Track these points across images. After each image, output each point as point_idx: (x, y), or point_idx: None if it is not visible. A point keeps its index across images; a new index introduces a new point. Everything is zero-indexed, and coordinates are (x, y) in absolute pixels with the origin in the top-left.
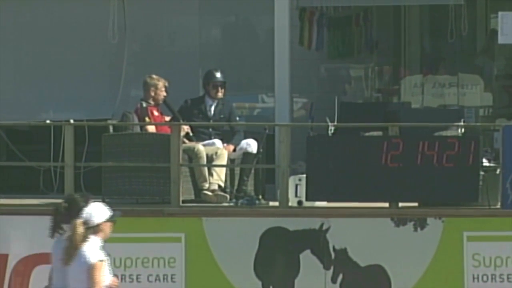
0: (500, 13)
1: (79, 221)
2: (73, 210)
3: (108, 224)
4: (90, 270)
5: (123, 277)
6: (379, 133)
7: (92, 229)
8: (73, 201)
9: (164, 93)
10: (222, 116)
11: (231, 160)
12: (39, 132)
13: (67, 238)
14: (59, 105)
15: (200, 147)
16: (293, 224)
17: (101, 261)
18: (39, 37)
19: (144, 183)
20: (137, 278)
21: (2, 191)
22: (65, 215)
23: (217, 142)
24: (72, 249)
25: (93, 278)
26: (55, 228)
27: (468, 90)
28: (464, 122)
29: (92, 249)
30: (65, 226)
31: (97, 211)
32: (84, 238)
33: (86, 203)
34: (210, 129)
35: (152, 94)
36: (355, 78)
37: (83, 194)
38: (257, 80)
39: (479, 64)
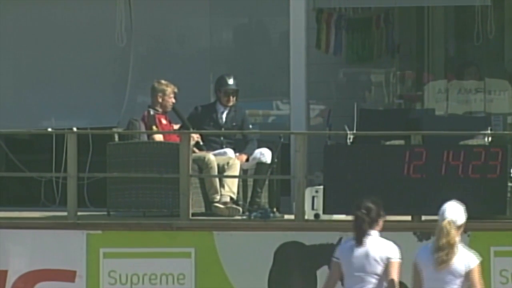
0: None
1: (445, 222)
2: (371, 217)
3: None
4: (471, 273)
5: None
6: (401, 142)
7: (458, 229)
8: (370, 209)
9: (173, 100)
10: (234, 124)
11: (243, 171)
12: (40, 141)
13: (437, 244)
14: (61, 112)
15: (211, 157)
16: (309, 238)
17: (480, 262)
18: (41, 40)
19: (152, 195)
20: None
21: (1, 204)
22: (366, 223)
23: (229, 152)
24: (449, 253)
25: (474, 280)
26: (362, 237)
27: (496, 96)
28: (491, 130)
29: (467, 251)
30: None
31: (461, 211)
32: (456, 239)
33: (381, 208)
34: (222, 138)
35: (160, 100)
36: (375, 83)
37: (375, 200)
38: (271, 85)
39: (509, 70)
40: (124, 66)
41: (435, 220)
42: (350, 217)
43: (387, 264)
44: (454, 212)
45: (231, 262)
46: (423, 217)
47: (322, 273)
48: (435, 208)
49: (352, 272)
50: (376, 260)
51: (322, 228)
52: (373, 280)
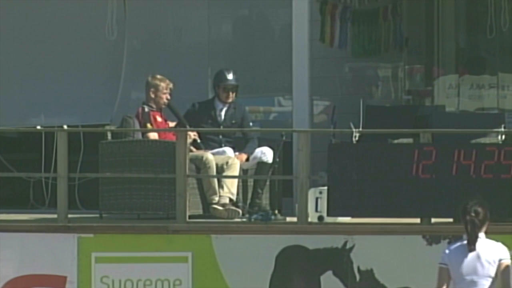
0: None
1: None
2: (480, 220)
3: None
4: None
5: None
6: (409, 140)
7: None
8: (479, 213)
9: (168, 96)
10: (234, 121)
11: (243, 171)
12: (29, 139)
13: None
14: (51, 109)
15: (209, 156)
16: (313, 242)
17: None
18: (29, 34)
19: (147, 197)
20: None
21: None
22: (477, 227)
23: (228, 151)
24: None
25: None
26: (475, 242)
27: (510, 91)
28: (504, 127)
29: None
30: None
31: None
32: None
33: (487, 210)
34: (221, 136)
35: (152, 96)
36: (382, 78)
37: (483, 202)
38: (273, 81)
39: None
40: (117, 60)
41: (445, 223)
42: (356, 220)
43: (499, 265)
44: None
45: (230, 267)
46: (433, 220)
47: (326, 279)
48: (446, 210)
49: (463, 276)
50: (488, 262)
51: (326, 231)
52: (487, 283)
